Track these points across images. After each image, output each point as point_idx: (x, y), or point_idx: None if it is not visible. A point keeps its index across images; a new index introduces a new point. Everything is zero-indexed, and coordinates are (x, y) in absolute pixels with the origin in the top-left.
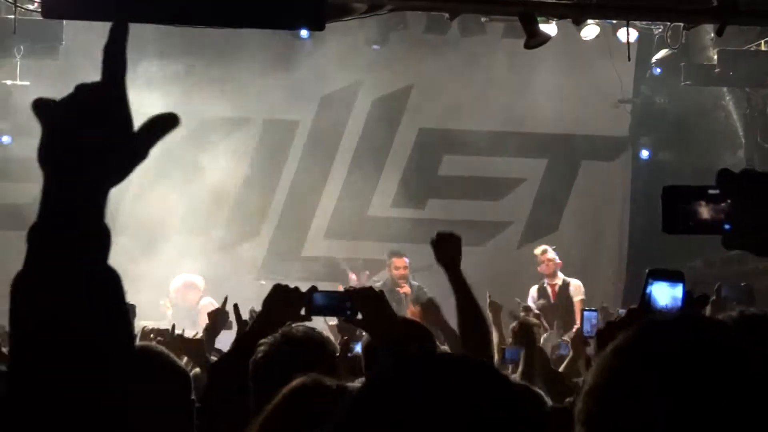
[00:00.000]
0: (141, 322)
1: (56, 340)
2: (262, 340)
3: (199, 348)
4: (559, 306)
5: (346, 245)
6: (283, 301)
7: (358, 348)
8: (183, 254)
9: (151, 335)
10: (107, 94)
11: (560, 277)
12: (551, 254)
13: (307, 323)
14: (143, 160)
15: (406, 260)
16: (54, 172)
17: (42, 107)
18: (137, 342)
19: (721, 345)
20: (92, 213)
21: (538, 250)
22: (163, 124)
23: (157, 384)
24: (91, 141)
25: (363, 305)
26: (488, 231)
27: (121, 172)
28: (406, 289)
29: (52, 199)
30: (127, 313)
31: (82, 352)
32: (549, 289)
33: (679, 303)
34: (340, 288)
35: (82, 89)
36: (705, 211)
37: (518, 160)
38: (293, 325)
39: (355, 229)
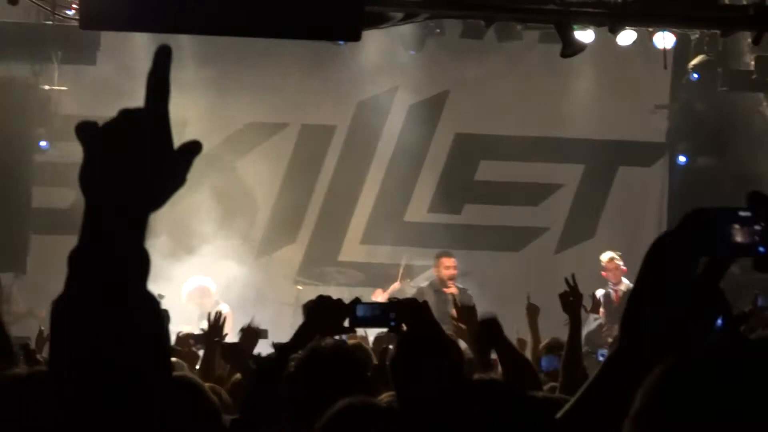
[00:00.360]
0: (178, 327)
1: (94, 365)
2: (294, 355)
3: (238, 353)
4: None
5: (382, 250)
6: (326, 313)
7: None
8: (220, 258)
9: (190, 340)
10: (151, 119)
11: (625, 283)
12: (618, 261)
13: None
14: (182, 186)
15: (455, 260)
16: (96, 196)
17: (85, 130)
18: (173, 344)
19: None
20: (133, 238)
21: (604, 257)
22: (191, 149)
23: (189, 417)
24: (135, 166)
25: (407, 316)
26: (525, 236)
27: (162, 197)
28: (454, 289)
29: (94, 223)
30: (165, 339)
31: (120, 379)
32: (613, 294)
33: (719, 322)
34: (380, 293)
35: (126, 114)
36: (738, 234)
37: (555, 165)
38: (324, 340)
39: (391, 234)
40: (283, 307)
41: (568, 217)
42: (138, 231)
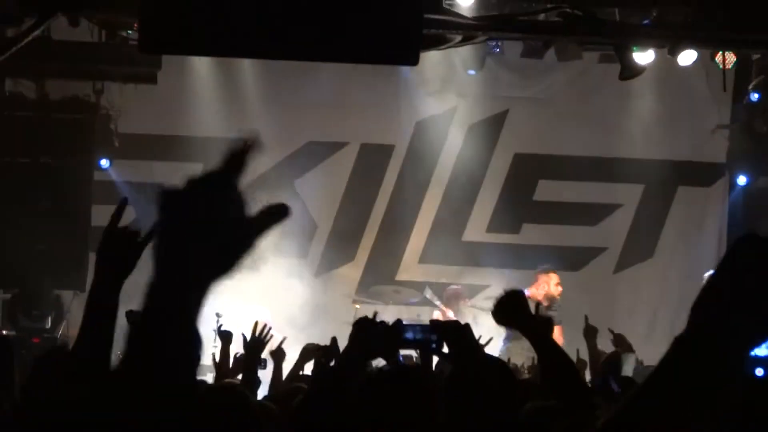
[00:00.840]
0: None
1: None
2: (355, 377)
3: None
4: None
5: (440, 270)
6: (368, 336)
7: None
8: (279, 277)
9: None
10: (227, 194)
11: None
12: None
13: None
14: (252, 252)
15: None
16: (162, 265)
17: (164, 196)
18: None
19: None
20: (189, 314)
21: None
22: (277, 215)
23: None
24: (205, 238)
25: (449, 338)
26: (584, 256)
27: (229, 269)
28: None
29: (154, 291)
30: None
31: None
32: None
33: None
34: (438, 314)
35: (204, 183)
36: None
37: (614, 185)
38: (384, 362)
39: (449, 253)
40: (342, 326)
41: (627, 237)
42: (196, 305)
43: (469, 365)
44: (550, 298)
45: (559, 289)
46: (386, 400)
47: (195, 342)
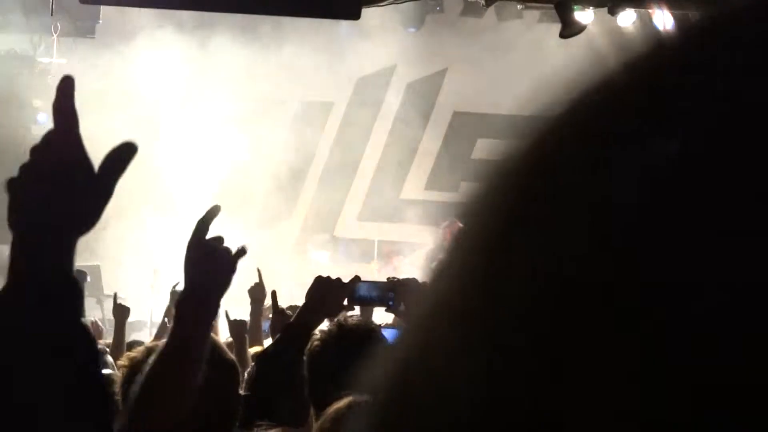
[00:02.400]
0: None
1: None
2: (318, 330)
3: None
4: None
5: (378, 227)
6: (326, 292)
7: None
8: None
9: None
10: (63, 149)
11: None
12: None
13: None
14: (109, 199)
15: None
16: (21, 233)
17: (8, 181)
18: None
19: None
20: (61, 267)
21: None
22: (123, 155)
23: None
24: (56, 197)
25: (406, 296)
26: None
27: (89, 219)
28: None
29: (19, 258)
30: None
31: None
32: None
33: None
34: (376, 270)
35: (37, 150)
36: None
37: None
38: (346, 316)
39: (388, 211)
40: (282, 279)
41: None
42: (66, 259)
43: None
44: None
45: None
46: (349, 357)
47: (72, 287)
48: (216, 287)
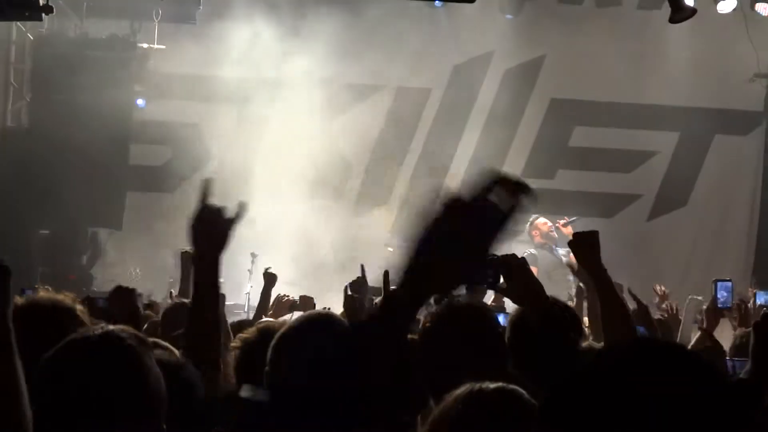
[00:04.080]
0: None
1: None
2: (428, 311)
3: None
4: None
5: None
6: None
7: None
8: (313, 218)
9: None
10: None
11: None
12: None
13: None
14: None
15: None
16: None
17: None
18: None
19: None
20: (215, 274)
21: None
22: (240, 213)
23: None
24: (216, 232)
25: (507, 273)
26: (618, 203)
27: (223, 248)
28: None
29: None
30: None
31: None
32: None
33: None
34: None
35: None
36: None
37: (650, 132)
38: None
39: None
40: (375, 269)
41: (661, 184)
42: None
43: (529, 302)
44: (549, 237)
45: (548, 224)
46: (457, 337)
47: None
48: (215, 247)
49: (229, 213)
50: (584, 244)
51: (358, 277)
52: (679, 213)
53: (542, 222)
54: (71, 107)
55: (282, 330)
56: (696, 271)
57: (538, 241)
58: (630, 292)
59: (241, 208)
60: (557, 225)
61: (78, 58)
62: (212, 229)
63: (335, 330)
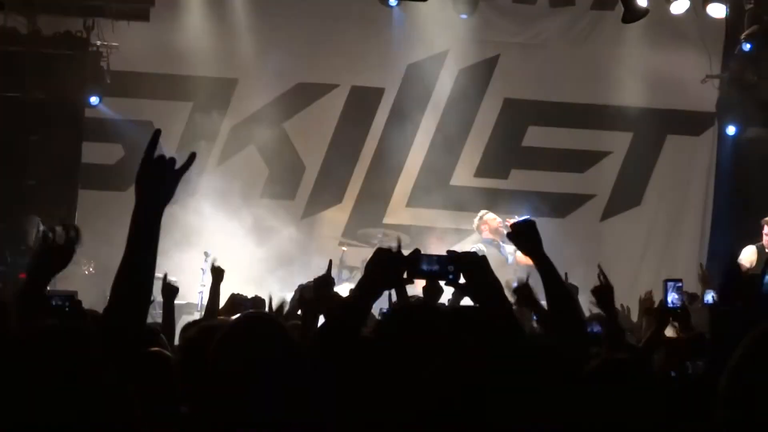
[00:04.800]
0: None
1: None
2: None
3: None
4: None
5: (427, 214)
6: (386, 265)
7: None
8: (266, 217)
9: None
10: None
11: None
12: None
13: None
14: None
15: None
16: (140, 195)
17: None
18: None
19: None
20: (157, 223)
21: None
22: (190, 161)
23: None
24: (161, 180)
25: (466, 270)
26: (571, 203)
27: (168, 198)
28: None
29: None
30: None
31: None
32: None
33: None
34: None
35: (145, 157)
36: None
37: (603, 132)
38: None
39: (437, 197)
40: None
41: (614, 184)
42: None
43: (486, 298)
44: (497, 233)
45: (498, 220)
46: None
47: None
48: (160, 198)
49: (177, 164)
50: (523, 234)
51: (323, 275)
52: (632, 213)
53: (492, 218)
54: (23, 105)
55: (221, 333)
56: (648, 271)
57: (487, 236)
58: (600, 268)
59: (190, 159)
60: (506, 222)
61: (30, 55)
62: (160, 181)
63: (269, 333)
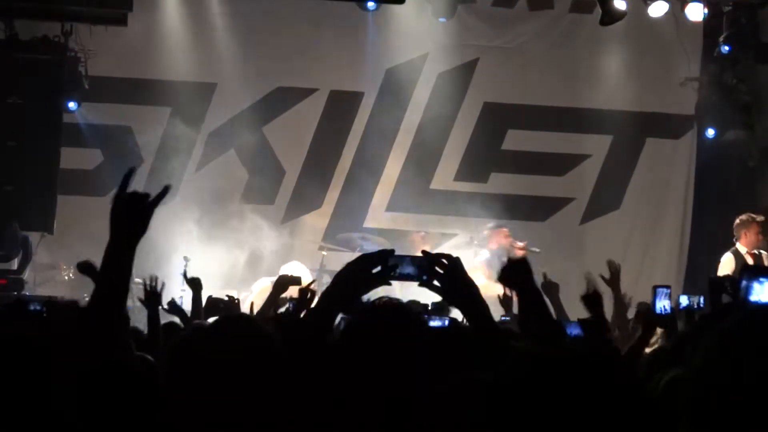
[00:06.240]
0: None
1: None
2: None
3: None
4: None
5: (407, 218)
6: (359, 266)
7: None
8: (245, 221)
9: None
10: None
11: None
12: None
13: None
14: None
15: None
16: (115, 231)
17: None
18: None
19: None
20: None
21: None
22: (163, 194)
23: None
24: (135, 219)
25: (439, 271)
26: (550, 206)
27: (142, 233)
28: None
29: (112, 249)
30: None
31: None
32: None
33: None
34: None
35: (118, 195)
36: None
37: (583, 136)
38: (380, 297)
39: (417, 202)
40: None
41: (594, 188)
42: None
43: (460, 298)
44: (504, 249)
45: (511, 238)
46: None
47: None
48: (133, 234)
49: (151, 198)
50: (515, 276)
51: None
52: (611, 216)
53: (506, 233)
54: (0, 110)
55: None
56: (627, 275)
57: (492, 247)
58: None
59: (163, 192)
60: (514, 245)
61: (7, 60)
62: (133, 216)
63: (247, 334)
